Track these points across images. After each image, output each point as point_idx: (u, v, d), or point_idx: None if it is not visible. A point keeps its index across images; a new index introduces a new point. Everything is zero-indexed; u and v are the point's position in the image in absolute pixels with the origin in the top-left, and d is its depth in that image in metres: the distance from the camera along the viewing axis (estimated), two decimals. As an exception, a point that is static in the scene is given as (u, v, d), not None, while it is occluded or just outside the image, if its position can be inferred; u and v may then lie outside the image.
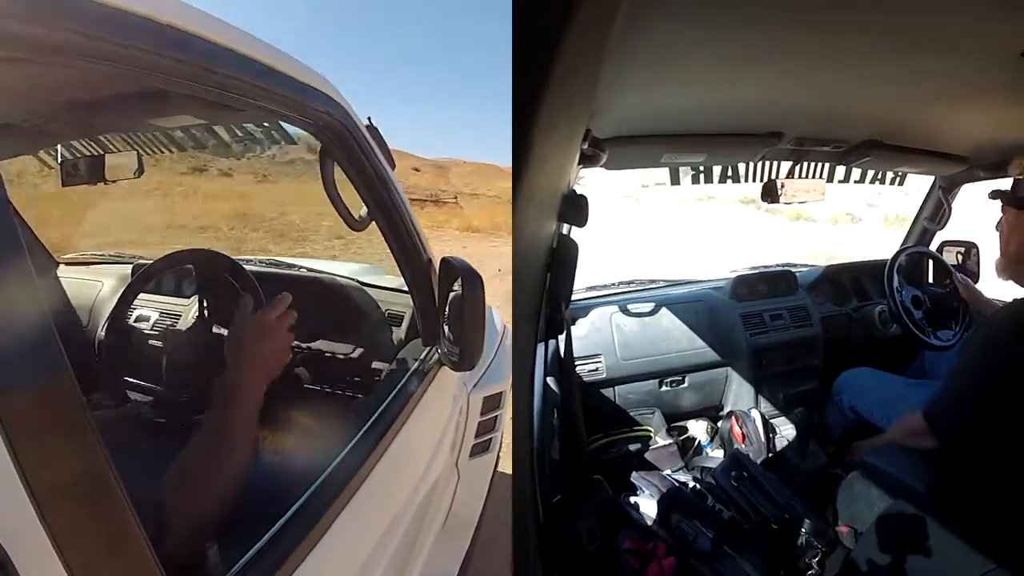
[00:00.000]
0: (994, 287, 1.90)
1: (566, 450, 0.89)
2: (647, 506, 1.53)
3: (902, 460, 1.51)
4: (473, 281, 1.01)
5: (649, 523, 1.48)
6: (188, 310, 1.38)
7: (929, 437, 1.35)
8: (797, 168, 1.91)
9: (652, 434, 1.96)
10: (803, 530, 1.40)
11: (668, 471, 1.81)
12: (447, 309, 1.09)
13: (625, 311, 2.02)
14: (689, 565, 1.38)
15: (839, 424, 2.03)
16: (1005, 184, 1.49)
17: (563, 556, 1.21)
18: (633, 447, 1.91)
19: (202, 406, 1.14)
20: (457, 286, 1.03)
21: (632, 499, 1.57)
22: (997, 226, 1.43)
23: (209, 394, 0.86)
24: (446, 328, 1.10)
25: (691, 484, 1.61)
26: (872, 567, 1.22)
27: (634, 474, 1.61)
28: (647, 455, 1.90)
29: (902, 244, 2.35)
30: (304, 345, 1.48)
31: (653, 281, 2.29)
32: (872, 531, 1.30)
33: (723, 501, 1.51)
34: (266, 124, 1.40)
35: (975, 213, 1.84)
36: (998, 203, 1.45)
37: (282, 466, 0.91)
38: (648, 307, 2.05)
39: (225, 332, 1.29)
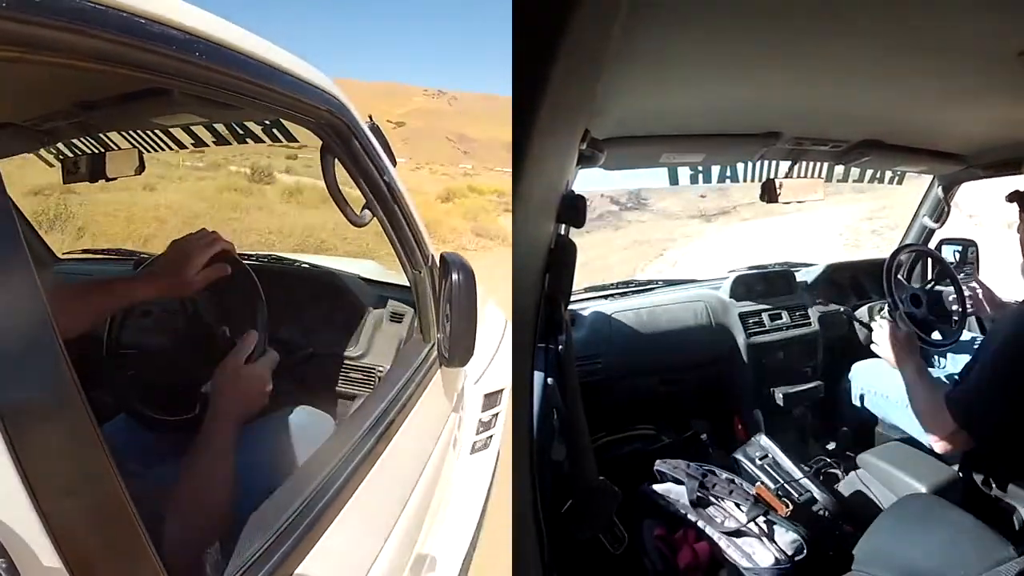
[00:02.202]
0: (995, 287, 1.91)
1: (570, 454, 0.90)
2: (673, 492, 1.52)
3: (904, 457, 1.52)
4: (466, 276, 1.02)
5: (676, 509, 1.49)
6: (191, 307, 1.38)
7: (961, 435, 1.29)
8: (796, 167, 1.91)
9: (655, 432, 1.96)
10: (825, 508, 1.43)
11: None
12: (444, 305, 1.10)
13: (624, 311, 2.02)
14: (719, 547, 1.39)
15: (846, 418, 2.03)
16: (1018, 183, 1.48)
17: (584, 562, 1.21)
18: (636, 445, 1.91)
19: (201, 405, 1.14)
20: (452, 282, 1.03)
21: (656, 487, 1.56)
22: (1019, 228, 1.43)
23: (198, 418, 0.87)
24: (443, 324, 1.11)
25: (715, 470, 1.61)
26: (875, 565, 1.23)
27: (658, 462, 1.60)
28: (650, 454, 1.89)
29: (901, 242, 2.35)
30: (305, 341, 1.49)
31: (651, 281, 2.29)
32: (875, 529, 1.31)
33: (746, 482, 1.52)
34: (267, 122, 1.40)
35: (974, 209, 1.84)
36: (994, 198, 1.46)
37: (282, 464, 0.91)
38: (647, 307, 2.05)
39: (224, 330, 1.29)
